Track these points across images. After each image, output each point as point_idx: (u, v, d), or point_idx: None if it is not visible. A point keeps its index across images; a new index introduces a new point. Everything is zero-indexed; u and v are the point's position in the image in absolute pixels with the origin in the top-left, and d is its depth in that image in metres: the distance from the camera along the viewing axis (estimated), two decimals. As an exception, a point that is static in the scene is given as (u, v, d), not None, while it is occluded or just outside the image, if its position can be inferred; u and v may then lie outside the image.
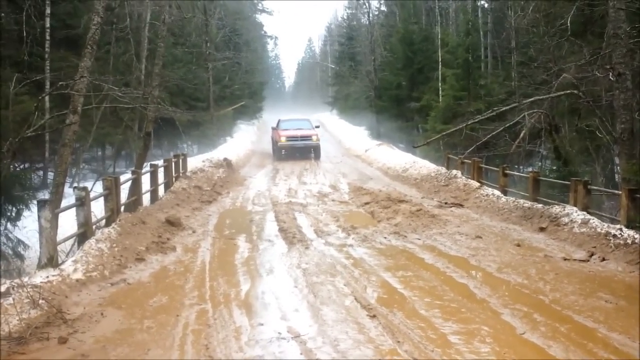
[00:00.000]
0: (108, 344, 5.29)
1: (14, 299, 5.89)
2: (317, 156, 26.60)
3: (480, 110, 22.07)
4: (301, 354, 5.07)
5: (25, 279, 6.59)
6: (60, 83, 10.50)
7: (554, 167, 19.36)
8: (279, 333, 5.55)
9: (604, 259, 8.48)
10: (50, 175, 21.17)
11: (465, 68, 25.70)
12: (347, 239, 10.12)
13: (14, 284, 6.21)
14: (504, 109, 18.19)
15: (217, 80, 35.16)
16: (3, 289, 6.05)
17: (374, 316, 6.00)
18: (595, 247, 9.02)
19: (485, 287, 7.15)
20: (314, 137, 26.93)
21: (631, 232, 8.89)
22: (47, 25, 19.66)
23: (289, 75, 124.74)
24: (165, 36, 18.04)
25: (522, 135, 19.40)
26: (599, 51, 15.53)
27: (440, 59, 30.28)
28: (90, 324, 5.79)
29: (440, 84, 29.47)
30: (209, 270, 8.04)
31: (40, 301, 6.00)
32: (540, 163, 23.58)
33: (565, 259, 8.62)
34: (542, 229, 10.60)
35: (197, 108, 29.84)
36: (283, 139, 26.76)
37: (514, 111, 19.24)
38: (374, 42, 39.92)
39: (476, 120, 18.25)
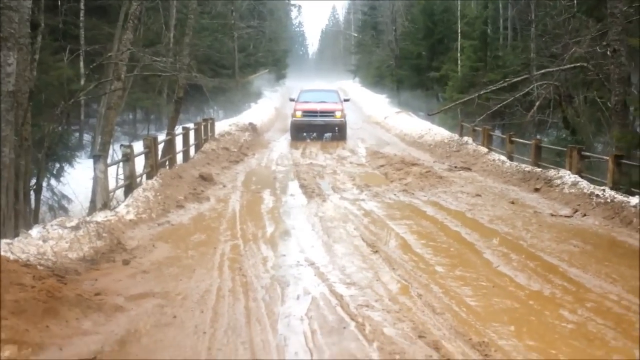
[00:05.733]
0: (162, 265, 6.63)
1: (83, 232, 7.24)
2: (343, 136, 22.08)
3: (495, 80, 22.99)
4: (315, 275, 6.36)
5: (88, 218, 7.97)
6: (109, 54, 11.78)
7: (563, 136, 20.35)
8: (297, 261, 6.86)
9: (585, 215, 9.63)
10: (85, 136, 22.71)
11: (483, 40, 26.54)
12: (360, 195, 11.37)
13: (81, 220, 7.57)
14: (514, 80, 19.12)
15: (242, 48, 36.34)
16: (74, 223, 7.40)
17: (376, 251, 7.28)
18: (579, 204, 10.15)
19: (474, 234, 8.36)
20: (338, 113, 22.02)
21: (612, 192, 10.00)
22: (83, -6, 20.85)
23: (313, 43, 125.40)
24: (195, 8, 19.12)
25: (536, 105, 20.40)
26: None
27: (459, 30, 31.06)
28: (145, 252, 7.15)
29: (459, 55, 30.31)
30: (239, 216, 9.37)
31: (104, 234, 7.35)
32: (556, 132, 24.43)
33: (552, 215, 9.77)
34: (536, 190, 11.75)
35: (222, 75, 31.07)
36: (298, 114, 22.10)
37: (529, 82, 20.17)
38: (395, 12, 40.67)
39: (488, 90, 19.23)
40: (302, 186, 12.27)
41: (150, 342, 4.54)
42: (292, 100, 24.47)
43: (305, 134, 22.39)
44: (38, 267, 5.66)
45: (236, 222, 8.97)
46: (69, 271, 6.01)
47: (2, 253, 5.55)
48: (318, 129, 22.40)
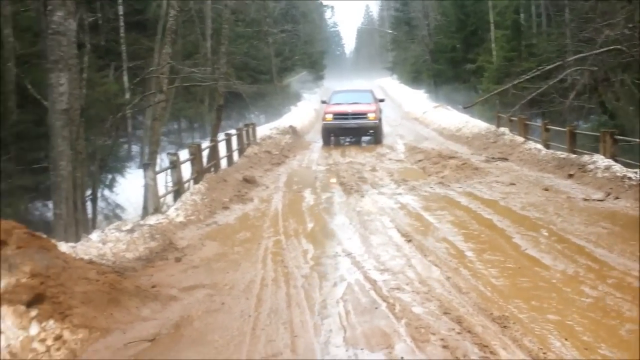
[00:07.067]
0: (210, 261, 7.22)
1: (138, 234, 7.88)
2: (378, 140, 20.75)
3: (530, 69, 22.99)
4: (351, 264, 6.84)
5: (142, 222, 8.63)
6: (151, 69, 12.49)
7: (603, 121, 20.28)
8: (335, 252, 7.37)
9: (617, 198, 9.83)
10: (134, 147, 23.64)
11: (515, 29, 26.52)
12: (397, 189, 11.78)
13: (136, 224, 8.22)
14: (547, 67, 19.16)
15: (278, 53, 37.04)
16: (129, 227, 8.06)
17: (410, 240, 7.71)
18: (612, 188, 10.33)
19: (506, 220, 8.70)
20: (371, 115, 20.41)
21: (644, 174, 10.20)
22: (121, 12, 21.69)
23: (349, 42, 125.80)
24: (229, 18, 19.77)
25: (573, 92, 20.40)
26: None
27: (492, 21, 31.02)
28: (195, 250, 7.76)
29: (492, 45, 30.29)
30: (281, 215, 9.92)
31: (157, 236, 7.98)
32: (597, 117, 24.25)
33: (584, 200, 10.00)
34: (570, 176, 11.97)
35: (261, 80, 31.78)
36: (329, 117, 20.74)
37: (563, 69, 20.17)
38: (426, 7, 40.78)
39: (521, 80, 19.29)
40: (341, 184, 12.75)
41: (202, 325, 5.10)
42: (323, 102, 23.30)
43: (339, 138, 21.35)
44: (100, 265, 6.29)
45: (278, 219, 9.52)
46: (127, 269, 6.63)
47: (68, 254, 6.19)
48: (350, 132, 21.07)
